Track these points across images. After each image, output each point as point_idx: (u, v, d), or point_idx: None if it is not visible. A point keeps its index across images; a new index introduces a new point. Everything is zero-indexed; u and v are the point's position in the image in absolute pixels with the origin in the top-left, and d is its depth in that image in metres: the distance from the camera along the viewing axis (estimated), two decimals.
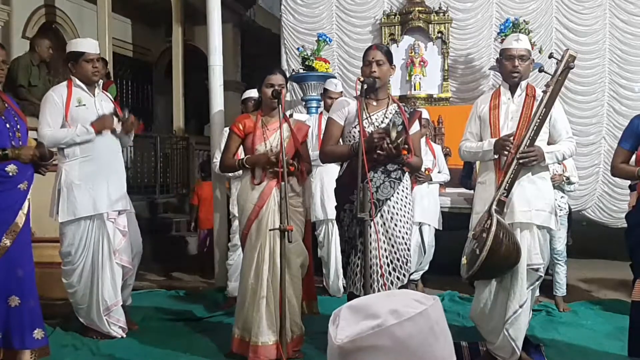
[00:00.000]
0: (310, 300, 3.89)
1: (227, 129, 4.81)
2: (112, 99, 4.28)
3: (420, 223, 5.15)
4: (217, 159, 4.95)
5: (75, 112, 3.86)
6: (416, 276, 5.28)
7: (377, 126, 3.25)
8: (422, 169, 4.81)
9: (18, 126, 3.37)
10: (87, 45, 3.99)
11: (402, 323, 0.99)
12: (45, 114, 3.83)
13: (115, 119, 3.99)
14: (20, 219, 3.33)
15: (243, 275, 3.58)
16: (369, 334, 0.99)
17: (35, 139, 3.53)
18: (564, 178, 4.57)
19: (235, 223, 4.86)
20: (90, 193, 3.87)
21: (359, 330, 1.00)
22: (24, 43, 7.82)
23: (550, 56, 3.26)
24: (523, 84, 3.37)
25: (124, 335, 4.02)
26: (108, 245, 3.94)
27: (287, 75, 4.45)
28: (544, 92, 3.16)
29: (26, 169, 3.36)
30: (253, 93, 4.98)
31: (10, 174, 3.27)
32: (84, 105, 3.90)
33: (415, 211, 3.81)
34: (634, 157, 3.28)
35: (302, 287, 3.63)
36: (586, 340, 4.00)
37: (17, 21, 8.21)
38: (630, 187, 4.95)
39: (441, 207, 5.42)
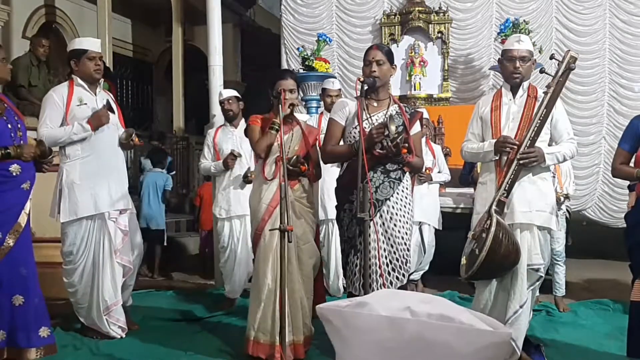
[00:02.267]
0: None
1: None
2: (114, 98, 4.27)
3: (420, 223, 5.16)
4: (206, 158, 4.97)
5: (76, 111, 3.86)
6: (416, 276, 5.28)
7: None
8: (422, 169, 4.80)
9: (19, 125, 3.40)
10: (90, 43, 4.01)
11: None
12: (45, 114, 3.84)
13: (111, 115, 3.95)
14: (22, 219, 3.36)
15: (257, 276, 3.52)
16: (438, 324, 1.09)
17: (35, 139, 3.54)
18: (561, 198, 4.54)
19: (218, 224, 4.92)
20: (92, 192, 3.87)
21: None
22: (24, 43, 7.81)
23: (552, 57, 3.26)
24: (525, 84, 3.36)
25: (124, 336, 4.02)
26: (109, 245, 3.94)
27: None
28: (545, 93, 3.16)
29: (29, 168, 3.37)
30: (226, 94, 4.95)
31: (14, 173, 3.29)
32: (85, 104, 3.90)
33: (415, 211, 3.81)
34: (633, 157, 3.28)
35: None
36: (586, 340, 4.01)
37: (17, 21, 8.20)
38: (629, 187, 4.96)
39: (441, 207, 5.42)
